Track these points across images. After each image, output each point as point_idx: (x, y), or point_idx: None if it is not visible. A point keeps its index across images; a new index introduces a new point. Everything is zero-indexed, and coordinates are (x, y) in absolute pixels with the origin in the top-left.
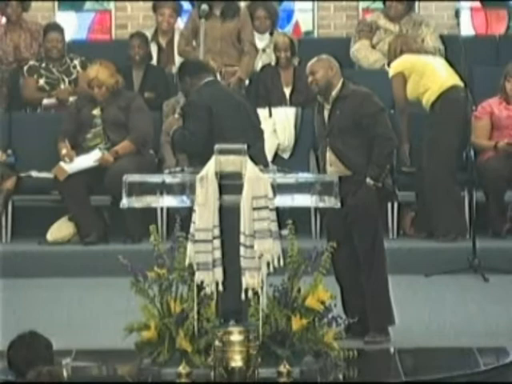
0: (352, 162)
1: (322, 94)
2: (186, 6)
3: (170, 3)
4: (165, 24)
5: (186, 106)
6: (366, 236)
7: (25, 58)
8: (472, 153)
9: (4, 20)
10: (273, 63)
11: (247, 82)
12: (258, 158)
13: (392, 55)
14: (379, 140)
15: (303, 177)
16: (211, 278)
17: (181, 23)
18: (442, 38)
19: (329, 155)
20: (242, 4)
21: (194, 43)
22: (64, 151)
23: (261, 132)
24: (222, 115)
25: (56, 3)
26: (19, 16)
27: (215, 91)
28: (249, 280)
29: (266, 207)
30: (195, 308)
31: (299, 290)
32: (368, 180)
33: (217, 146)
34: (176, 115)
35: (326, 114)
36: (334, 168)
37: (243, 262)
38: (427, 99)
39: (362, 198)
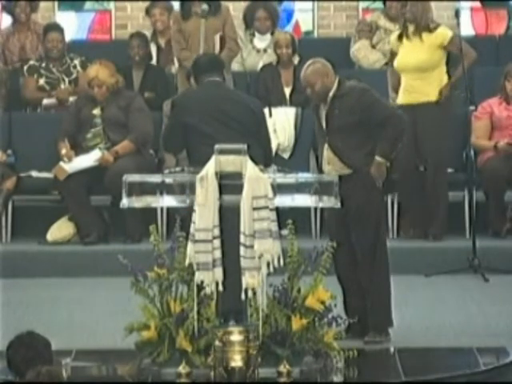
0: (351, 160)
1: (321, 100)
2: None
3: (159, 3)
4: (158, 24)
5: (171, 103)
6: (366, 236)
7: (29, 58)
8: (472, 153)
9: (10, 20)
10: (274, 63)
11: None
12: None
13: (420, 12)
14: (391, 119)
15: (303, 177)
16: (211, 278)
17: None
18: None
19: (327, 153)
20: (224, 2)
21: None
22: (63, 151)
23: (256, 139)
24: (203, 118)
25: (56, 3)
26: (28, 16)
27: (207, 93)
28: (249, 280)
29: (266, 207)
30: (195, 308)
31: (299, 290)
32: (377, 158)
33: (217, 146)
34: None
35: (322, 113)
36: (331, 166)
37: (243, 262)
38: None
39: (361, 197)
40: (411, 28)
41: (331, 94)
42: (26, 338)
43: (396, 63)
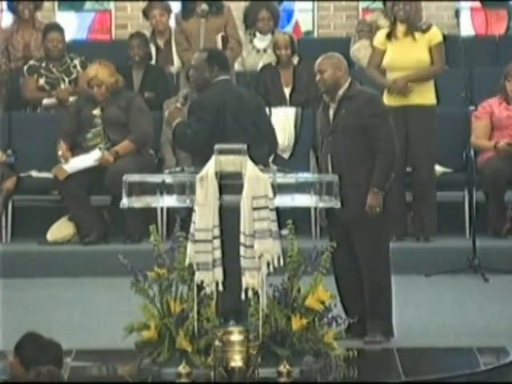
0: (353, 163)
1: (328, 93)
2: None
3: (157, 4)
4: (158, 24)
5: (193, 104)
6: (366, 240)
7: (33, 56)
8: (472, 153)
9: (12, 18)
10: (274, 63)
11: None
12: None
13: (413, 11)
14: (381, 144)
15: (303, 177)
16: (211, 278)
17: None
18: (443, 37)
19: (330, 156)
20: (226, 2)
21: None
22: (60, 152)
23: (265, 138)
24: (227, 118)
25: (56, 3)
26: (32, 14)
27: (226, 92)
28: (249, 280)
29: (266, 207)
30: (195, 308)
31: (299, 290)
32: (373, 189)
33: (217, 146)
34: (178, 104)
35: (331, 112)
36: (335, 169)
37: (243, 262)
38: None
39: (361, 202)
40: (402, 28)
41: (341, 92)
42: (43, 341)
43: (386, 62)
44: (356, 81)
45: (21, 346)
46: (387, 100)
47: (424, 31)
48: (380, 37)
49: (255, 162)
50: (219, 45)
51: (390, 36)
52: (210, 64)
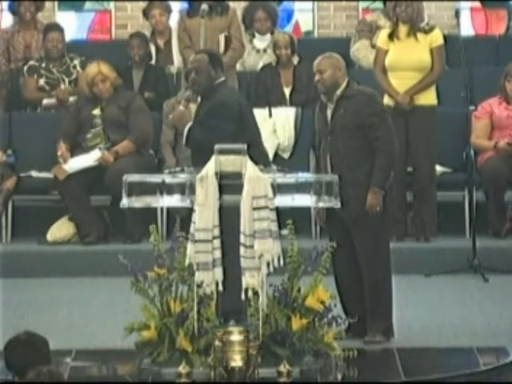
0: (353, 163)
1: (327, 93)
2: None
3: (157, 4)
4: (158, 24)
5: (215, 105)
6: (366, 240)
7: (33, 57)
8: (472, 153)
9: (12, 18)
10: (273, 63)
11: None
12: (260, 158)
13: (415, 12)
14: (380, 143)
15: (303, 177)
16: (211, 278)
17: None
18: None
19: (329, 156)
20: (231, 3)
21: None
22: (59, 152)
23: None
24: (248, 117)
25: (56, 3)
26: (33, 15)
27: (237, 93)
28: (249, 280)
29: (266, 207)
30: (195, 308)
31: (299, 290)
32: (373, 188)
33: (217, 146)
34: (181, 107)
35: (328, 112)
36: (334, 169)
37: (243, 262)
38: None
39: (361, 201)
40: (404, 28)
41: (339, 92)
42: (23, 337)
43: (388, 62)
44: (353, 80)
45: (8, 351)
46: (388, 100)
47: (426, 32)
48: (383, 37)
49: (257, 161)
50: (222, 45)
51: (391, 36)
52: (214, 66)
